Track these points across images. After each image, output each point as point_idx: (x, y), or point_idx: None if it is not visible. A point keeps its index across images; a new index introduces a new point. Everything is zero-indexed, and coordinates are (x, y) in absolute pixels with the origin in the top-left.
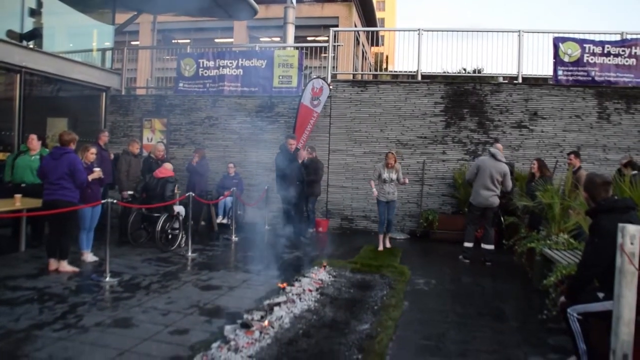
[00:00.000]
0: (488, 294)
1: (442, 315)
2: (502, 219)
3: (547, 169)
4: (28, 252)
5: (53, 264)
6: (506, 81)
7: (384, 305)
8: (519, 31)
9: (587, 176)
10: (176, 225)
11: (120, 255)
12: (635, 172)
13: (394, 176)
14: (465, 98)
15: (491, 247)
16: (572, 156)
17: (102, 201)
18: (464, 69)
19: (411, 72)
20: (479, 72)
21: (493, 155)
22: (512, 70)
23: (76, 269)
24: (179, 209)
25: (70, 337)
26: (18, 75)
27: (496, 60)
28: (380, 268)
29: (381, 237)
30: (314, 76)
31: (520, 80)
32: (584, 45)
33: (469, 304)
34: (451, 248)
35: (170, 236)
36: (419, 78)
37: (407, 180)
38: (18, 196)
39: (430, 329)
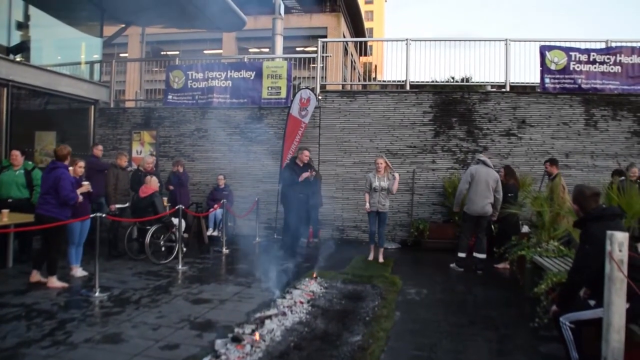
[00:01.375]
0: (479, 302)
1: (434, 325)
2: (492, 227)
3: (515, 177)
4: (16, 267)
5: (35, 275)
6: (494, 89)
7: (375, 316)
8: (506, 40)
9: (577, 188)
10: (173, 237)
11: (110, 270)
12: (622, 178)
13: (384, 184)
14: (454, 107)
15: (483, 256)
16: (547, 164)
17: (91, 215)
18: (452, 78)
19: (400, 81)
20: (467, 80)
21: (484, 163)
22: (500, 79)
23: (65, 285)
24: (176, 221)
25: (59, 354)
26: (5, 89)
27: (484, 68)
28: (371, 278)
29: (372, 247)
30: (303, 87)
31: (508, 89)
32: (570, 53)
33: (461, 313)
34: (442, 257)
35: (163, 248)
36: (408, 87)
37: (397, 184)
38: (5, 211)
39: (422, 339)
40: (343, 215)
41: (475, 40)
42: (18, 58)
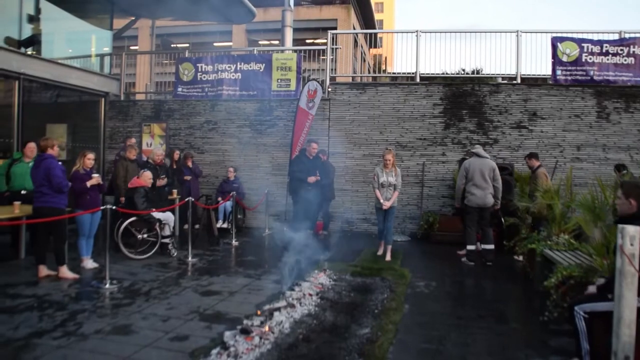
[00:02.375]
0: (489, 295)
1: (443, 318)
2: (502, 220)
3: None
4: (28, 259)
5: (43, 270)
6: (505, 81)
7: (384, 308)
8: (517, 31)
9: (632, 184)
10: (167, 232)
11: (120, 261)
12: (624, 172)
13: (392, 179)
14: (464, 99)
15: (491, 246)
16: (527, 159)
17: (101, 207)
18: (463, 70)
19: (410, 73)
20: (478, 72)
21: (477, 154)
22: (510, 71)
23: (76, 276)
24: (164, 216)
25: (70, 345)
26: (17, 82)
27: (495, 60)
28: (380, 271)
29: (381, 242)
30: (311, 79)
31: (519, 81)
32: (583, 44)
33: (470, 306)
34: (452, 250)
35: (144, 243)
36: (418, 79)
37: (396, 193)
38: (17, 203)
39: (431, 332)
40: (352, 208)
41: (486, 32)
42: (29, 51)
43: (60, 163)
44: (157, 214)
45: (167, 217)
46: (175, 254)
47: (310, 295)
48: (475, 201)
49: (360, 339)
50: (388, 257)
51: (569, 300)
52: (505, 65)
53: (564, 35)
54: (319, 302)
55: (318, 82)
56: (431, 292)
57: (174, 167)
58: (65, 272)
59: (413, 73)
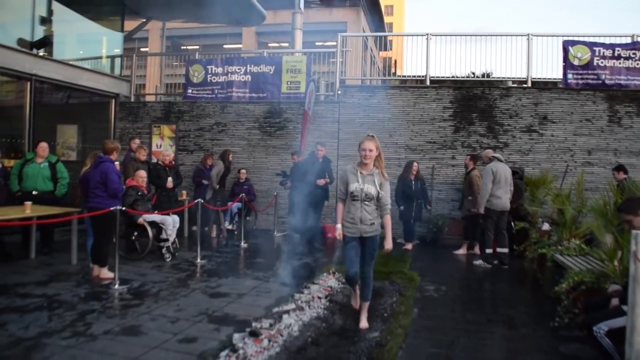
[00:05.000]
0: (498, 300)
1: (452, 322)
2: (512, 224)
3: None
4: (38, 259)
5: (95, 270)
6: (515, 85)
7: (393, 312)
8: (528, 35)
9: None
10: (162, 236)
11: (129, 263)
12: (625, 175)
13: (371, 188)
14: (474, 102)
15: (506, 250)
16: (467, 158)
17: (111, 208)
18: (473, 73)
19: (420, 76)
20: (488, 76)
21: (499, 159)
22: (521, 74)
23: (111, 275)
24: (161, 219)
25: (79, 346)
26: (28, 83)
27: (505, 64)
28: (389, 274)
29: (354, 292)
30: (319, 81)
31: (529, 84)
32: (594, 48)
33: (480, 310)
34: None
35: (138, 244)
36: (428, 83)
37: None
38: (28, 204)
39: (440, 336)
40: None
41: (496, 35)
42: (41, 53)
43: (116, 168)
44: (154, 217)
45: (165, 220)
46: (170, 258)
47: (320, 298)
48: (500, 205)
49: (369, 343)
50: (364, 323)
51: (583, 318)
52: (516, 68)
53: (576, 38)
54: (328, 305)
55: (313, 81)
56: (440, 296)
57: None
58: (105, 272)
59: (423, 76)
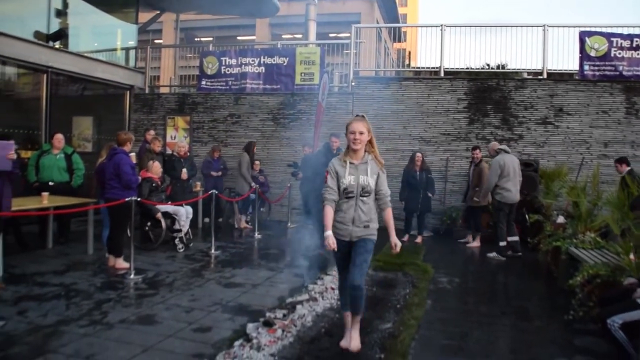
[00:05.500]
0: (512, 292)
1: (465, 314)
2: (526, 216)
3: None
4: (55, 249)
5: (110, 260)
6: (531, 77)
7: (406, 303)
8: (544, 26)
9: None
10: (175, 227)
11: (144, 253)
12: (629, 168)
13: (368, 180)
14: (489, 94)
15: (516, 238)
16: (476, 151)
17: (126, 199)
18: (488, 65)
19: (434, 68)
20: (503, 67)
21: (505, 151)
22: (536, 66)
23: (127, 265)
24: (174, 210)
25: (96, 334)
26: (45, 75)
27: (520, 55)
28: (403, 266)
29: (346, 317)
30: (327, 72)
31: (545, 76)
32: (612, 39)
33: (493, 303)
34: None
35: (152, 235)
36: (442, 74)
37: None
38: (45, 194)
39: (453, 328)
40: None
41: (511, 26)
42: (57, 45)
43: (130, 159)
44: (168, 208)
45: (178, 211)
46: (183, 249)
47: (333, 289)
48: (511, 198)
49: (382, 334)
50: (355, 344)
51: (597, 311)
52: (531, 60)
53: (593, 29)
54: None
55: (329, 75)
56: (454, 288)
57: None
58: (121, 262)
59: (437, 68)
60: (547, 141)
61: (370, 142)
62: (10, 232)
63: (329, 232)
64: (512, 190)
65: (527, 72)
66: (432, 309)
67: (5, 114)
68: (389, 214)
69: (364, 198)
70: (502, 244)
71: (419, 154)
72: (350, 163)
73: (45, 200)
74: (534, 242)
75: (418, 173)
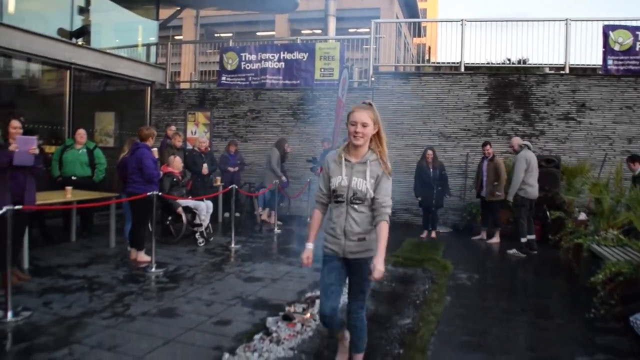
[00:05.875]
0: (532, 289)
1: (484, 310)
2: (547, 213)
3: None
4: (78, 242)
5: (132, 253)
6: (552, 72)
7: (426, 299)
8: (567, 20)
9: None
10: (196, 221)
11: (165, 247)
12: None
13: (362, 184)
14: (510, 89)
15: (533, 236)
16: (488, 147)
17: (148, 193)
18: (509, 60)
19: (454, 63)
20: (524, 62)
21: (529, 147)
22: (558, 61)
23: (148, 258)
24: (195, 204)
25: (118, 325)
26: (68, 72)
27: (542, 50)
28: (422, 262)
29: (340, 342)
30: (347, 67)
31: (567, 71)
32: (637, 32)
33: (513, 299)
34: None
35: (172, 229)
36: (462, 69)
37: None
38: (69, 188)
39: (473, 324)
40: (394, 198)
41: (533, 21)
42: (79, 42)
43: (152, 154)
44: (188, 202)
45: (199, 206)
46: (203, 243)
47: None
48: (533, 193)
49: (401, 329)
50: None
51: (620, 309)
52: (553, 54)
53: (617, 23)
54: None
55: (349, 70)
56: (473, 285)
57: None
58: (142, 256)
59: (457, 63)
60: (569, 137)
61: (378, 137)
62: (35, 226)
63: (308, 245)
64: (535, 186)
65: (549, 67)
66: (451, 305)
67: (30, 110)
68: (382, 230)
69: (356, 205)
70: (524, 240)
71: (430, 151)
72: (347, 160)
73: (69, 194)
74: (555, 239)
75: (431, 170)
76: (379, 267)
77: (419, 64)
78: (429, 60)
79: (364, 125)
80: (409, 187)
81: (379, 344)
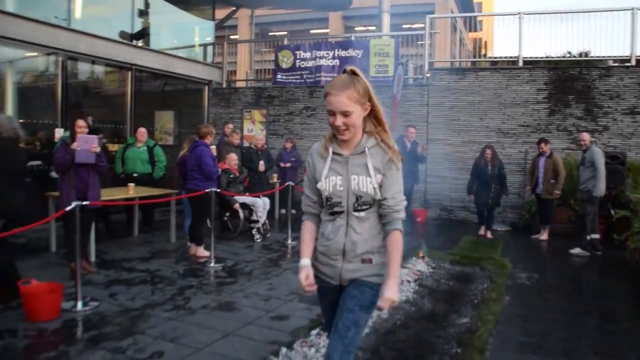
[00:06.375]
0: (596, 291)
1: (545, 311)
2: (612, 212)
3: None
4: (140, 237)
5: (192, 248)
6: (617, 64)
7: (484, 298)
8: (632, 9)
9: None
10: (253, 217)
11: (223, 242)
12: None
13: (362, 183)
14: (571, 84)
15: (598, 235)
16: (542, 144)
17: (207, 190)
18: (569, 53)
19: (512, 57)
20: (586, 55)
21: (596, 143)
22: (623, 52)
23: (207, 253)
24: (251, 201)
25: (179, 318)
26: (129, 72)
27: (605, 42)
28: (480, 260)
29: None
30: (402, 63)
31: (633, 63)
32: None
33: (575, 301)
34: (556, 241)
35: (230, 225)
36: (521, 64)
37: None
38: (131, 185)
39: (533, 325)
40: (451, 195)
41: (595, 11)
42: (140, 43)
43: (211, 151)
44: (245, 199)
45: (256, 202)
46: (260, 239)
47: (408, 281)
48: (603, 190)
49: (459, 328)
50: None
51: None
52: (618, 46)
53: None
54: (416, 289)
55: (403, 66)
56: (533, 285)
57: None
58: (201, 251)
59: (515, 57)
60: (635, 132)
61: (374, 115)
62: (100, 221)
63: (304, 261)
64: (605, 183)
65: (613, 60)
66: (510, 305)
67: (95, 110)
68: (395, 242)
69: (361, 213)
70: (592, 237)
71: (488, 150)
72: (335, 154)
73: (131, 190)
74: (621, 239)
75: (490, 168)
76: (388, 294)
77: (475, 59)
78: (485, 55)
79: (345, 114)
80: (466, 184)
81: (436, 342)
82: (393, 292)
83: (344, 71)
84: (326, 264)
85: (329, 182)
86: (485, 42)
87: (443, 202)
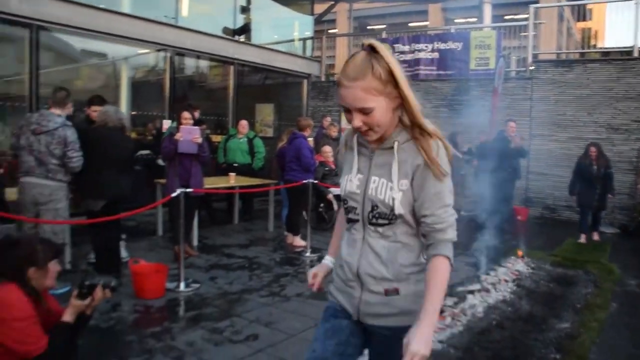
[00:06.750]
0: None
1: None
2: None
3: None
4: (240, 224)
5: (289, 237)
6: None
7: (587, 304)
8: None
9: None
10: (330, 206)
11: (318, 233)
12: None
13: (381, 189)
14: None
15: None
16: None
17: (304, 181)
18: None
19: (625, 48)
20: None
21: None
22: None
23: (303, 243)
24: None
25: (275, 304)
26: (232, 67)
27: None
28: (584, 264)
29: None
30: (505, 56)
31: None
32: None
33: None
34: None
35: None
36: (636, 54)
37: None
38: (232, 174)
39: None
40: (555, 194)
41: None
42: (241, 39)
43: (309, 144)
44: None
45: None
46: None
47: (506, 281)
48: None
49: (559, 333)
50: None
51: None
52: None
53: None
54: (514, 289)
55: (505, 59)
56: None
57: None
58: (297, 240)
59: (630, 47)
60: None
61: (403, 104)
62: (203, 208)
63: (325, 259)
64: None
65: None
66: (617, 312)
67: (199, 103)
68: (436, 270)
69: (379, 228)
70: None
71: (593, 147)
72: (361, 146)
73: (232, 180)
74: None
75: (595, 167)
76: (415, 346)
77: (583, 50)
78: (595, 46)
79: (364, 111)
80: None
81: (534, 346)
82: (422, 343)
83: (362, 46)
84: (342, 290)
85: (347, 181)
86: (596, 32)
87: (546, 200)
